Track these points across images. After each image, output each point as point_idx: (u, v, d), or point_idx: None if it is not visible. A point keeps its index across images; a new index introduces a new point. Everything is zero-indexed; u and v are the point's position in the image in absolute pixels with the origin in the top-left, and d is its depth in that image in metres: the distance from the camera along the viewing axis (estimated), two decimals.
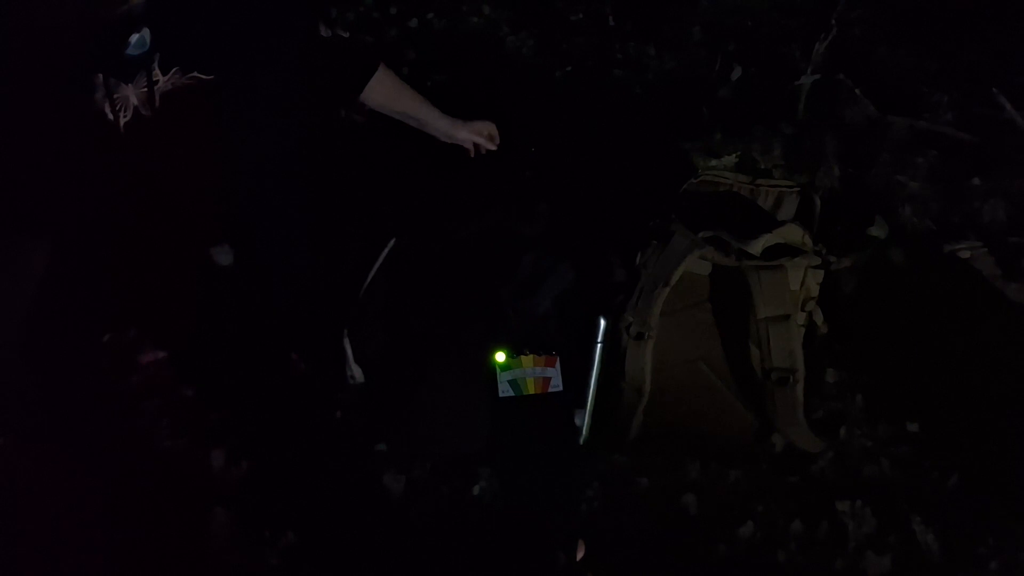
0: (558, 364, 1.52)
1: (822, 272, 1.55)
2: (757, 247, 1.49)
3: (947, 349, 1.62)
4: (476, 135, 1.58)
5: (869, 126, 1.88)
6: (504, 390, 1.50)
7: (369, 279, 1.52)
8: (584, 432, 1.54)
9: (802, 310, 1.53)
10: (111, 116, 1.28)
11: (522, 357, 1.50)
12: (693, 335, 1.55)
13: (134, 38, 1.26)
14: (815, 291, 1.55)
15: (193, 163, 1.36)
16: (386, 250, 1.56)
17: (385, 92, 1.53)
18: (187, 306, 1.52)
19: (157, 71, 1.29)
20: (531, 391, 1.51)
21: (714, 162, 1.85)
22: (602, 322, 1.52)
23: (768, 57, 1.99)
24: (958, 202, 1.76)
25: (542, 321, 1.56)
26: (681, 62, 2.06)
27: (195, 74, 1.31)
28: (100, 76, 1.26)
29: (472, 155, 1.61)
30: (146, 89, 1.28)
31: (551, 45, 2.11)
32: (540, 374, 1.51)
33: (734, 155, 1.87)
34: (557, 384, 1.52)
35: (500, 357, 1.50)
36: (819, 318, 1.56)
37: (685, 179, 1.73)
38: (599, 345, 1.52)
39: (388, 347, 1.49)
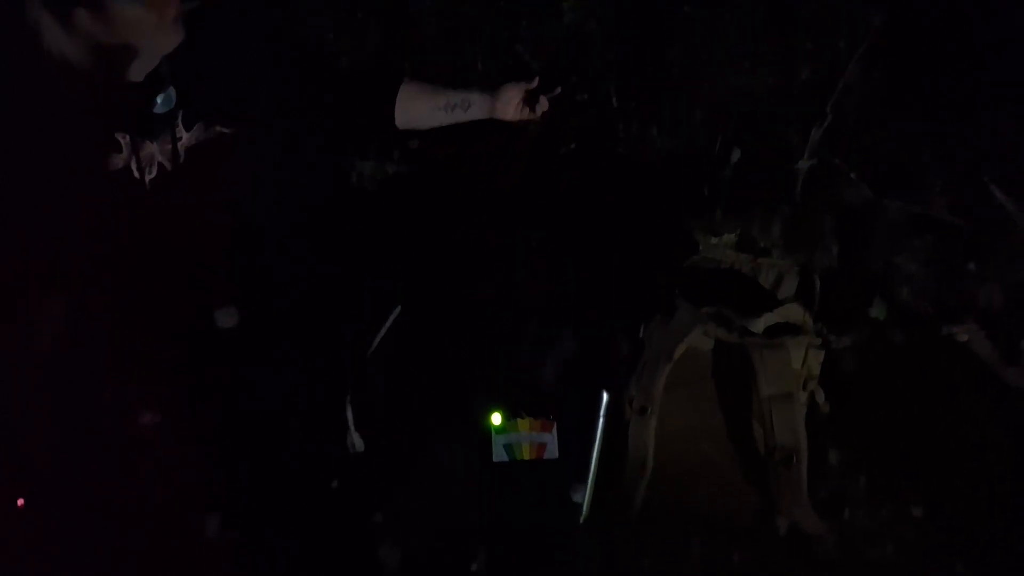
0: (555, 430, 1.49)
1: (823, 352, 1.57)
2: (759, 325, 1.51)
3: (948, 432, 1.62)
4: (514, 92, 1.38)
5: (865, 209, 1.92)
6: (499, 454, 1.47)
7: (374, 345, 1.52)
8: (585, 508, 1.51)
9: (803, 389, 1.54)
10: (137, 174, 1.30)
11: (519, 420, 1.48)
12: (696, 411, 1.55)
13: (160, 97, 1.30)
14: (816, 370, 1.56)
15: (209, 221, 1.37)
16: (392, 317, 1.57)
17: (419, 105, 1.41)
18: (188, 368, 1.51)
19: (181, 127, 1.32)
20: (526, 456, 1.49)
21: (715, 239, 1.88)
22: (605, 395, 1.52)
23: (766, 141, 2.05)
24: (955, 286, 1.79)
25: (545, 392, 1.56)
26: (682, 143, 2.12)
27: (218, 128, 1.34)
28: (127, 136, 1.29)
29: (533, 121, 1.41)
30: (170, 145, 1.31)
31: (557, 123, 2.17)
32: (536, 439, 1.49)
33: (735, 233, 1.90)
34: (553, 451, 1.49)
35: (496, 419, 1.47)
36: (820, 397, 1.57)
37: (688, 255, 1.77)
38: (601, 419, 1.51)
39: (390, 415, 1.48)
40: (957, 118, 2.06)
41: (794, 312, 1.56)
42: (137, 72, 1.29)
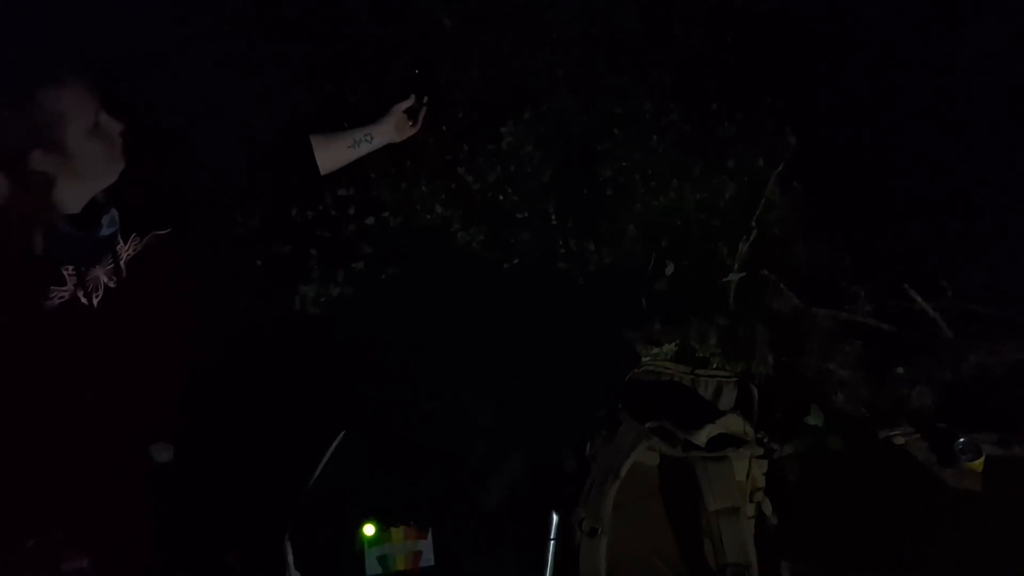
0: (430, 537, 1.47)
1: (766, 461, 1.59)
2: (702, 438, 1.52)
3: (895, 536, 1.63)
4: (400, 113, 1.57)
5: (796, 317, 2.01)
6: (372, 568, 1.44)
7: (316, 474, 1.48)
8: None
9: (750, 500, 1.55)
10: (84, 300, 1.28)
11: (392, 530, 1.46)
12: (646, 528, 1.53)
13: (105, 219, 1.30)
14: (761, 481, 1.57)
15: (148, 349, 1.34)
16: (335, 443, 1.54)
17: (331, 153, 1.55)
18: (119, 507, 1.44)
19: (120, 242, 1.31)
20: (400, 567, 1.46)
21: (655, 350, 1.93)
22: (554, 517, 1.49)
23: (698, 254, 2.15)
24: (886, 389, 1.86)
25: (494, 515, 1.52)
26: (619, 257, 2.21)
27: (154, 232, 1.34)
28: (70, 267, 1.28)
29: (418, 122, 1.60)
30: (112, 264, 1.30)
31: (499, 240, 2.24)
32: (411, 548, 1.46)
33: (673, 343, 1.96)
34: (429, 559, 1.47)
35: (369, 530, 1.45)
36: (768, 508, 1.57)
37: (629, 367, 1.80)
38: (552, 542, 1.49)
39: (333, 551, 1.43)
40: (874, 229, 2.21)
41: (735, 423, 1.58)
42: (74, 204, 1.29)
